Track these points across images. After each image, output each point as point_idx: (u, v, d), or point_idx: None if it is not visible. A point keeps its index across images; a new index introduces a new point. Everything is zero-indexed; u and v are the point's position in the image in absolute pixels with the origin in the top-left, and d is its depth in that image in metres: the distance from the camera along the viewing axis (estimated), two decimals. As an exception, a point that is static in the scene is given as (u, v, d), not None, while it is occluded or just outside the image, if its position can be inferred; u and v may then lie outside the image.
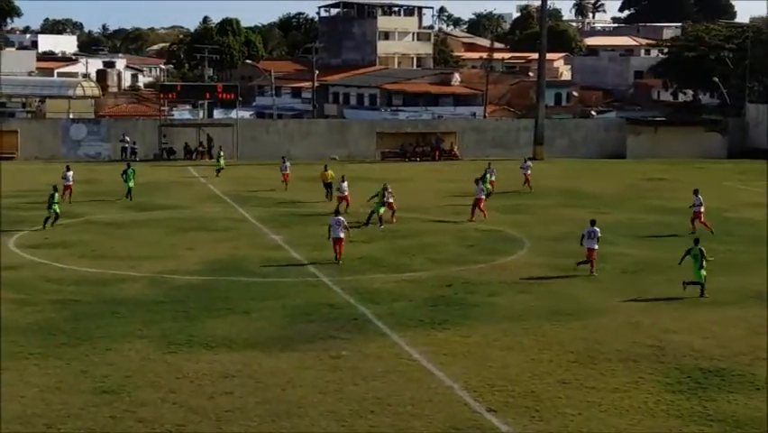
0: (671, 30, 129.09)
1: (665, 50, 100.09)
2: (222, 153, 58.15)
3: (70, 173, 43.79)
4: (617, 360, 20.78)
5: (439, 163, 64.41)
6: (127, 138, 64.34)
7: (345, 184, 40.30)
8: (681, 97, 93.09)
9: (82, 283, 27.48)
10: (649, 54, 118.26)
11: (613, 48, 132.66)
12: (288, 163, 49.87)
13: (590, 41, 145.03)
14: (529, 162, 50.40)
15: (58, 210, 36.19)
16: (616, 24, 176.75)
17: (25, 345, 21.27)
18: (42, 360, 20.29)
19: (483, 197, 39.20)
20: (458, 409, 17.80)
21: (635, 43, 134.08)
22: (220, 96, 71.16)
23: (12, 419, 16.95)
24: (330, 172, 44.67)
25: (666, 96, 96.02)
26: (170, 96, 69.92)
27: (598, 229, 29.79)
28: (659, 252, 32.97)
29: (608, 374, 19.83)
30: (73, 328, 22.71)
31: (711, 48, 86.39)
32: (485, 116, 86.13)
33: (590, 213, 40.85)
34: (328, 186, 44.17)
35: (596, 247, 29.62)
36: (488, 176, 45.49)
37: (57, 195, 36.78)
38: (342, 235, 30.51)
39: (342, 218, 30.98)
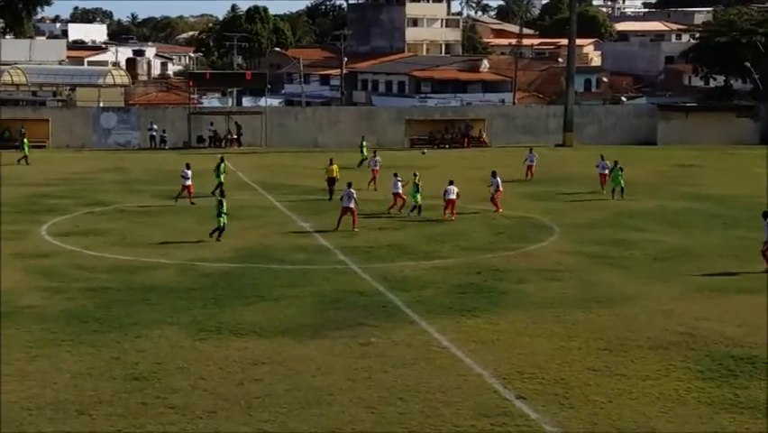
0: (702, 14, 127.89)
1: (696, 34, 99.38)
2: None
3: (189, 171, 39.82)
4: (647, 347, 20.67)
5: (468, 150, 64.27)
6: (155, 126, 64.66)
7: (400, 182, 38.02)
8: (712, 83, 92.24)
9: (113, 271, 27.66)
10: (680, 39, 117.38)
11: (643, 33, 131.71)
12: (378, 158, 45.46)
13: (620, 26, 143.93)
14: (535, 154, 49.89)
15: (225, 221, 31.79)
16: (646, 9, 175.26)
17: (58, 332, 21.45)
18: (74, 347, 20.46)
19: (501, 189, 38.26)
20: (487, 396, 17.78)
21: (665, 28, 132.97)
22: (249, 83, 71.35)
23: (45, 405, 17.11)
24: (335, 167, 40.90)
25: (697, 82, 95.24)
26: (200, 84, 70.14)
27: None
28: (690, 238, 32.76)
29: (638, 362, 19.73)
30: (104, 315, 22.88)
31: (743, 32, 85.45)
32: (514, 103, 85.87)
33: (620, 200, 40.69)
34: (332, 182, 40.35)
35: None
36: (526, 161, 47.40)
37: (225, 203, 32.23)
38: (351, 206, 32.81)
39: (353, 191, 33.15)
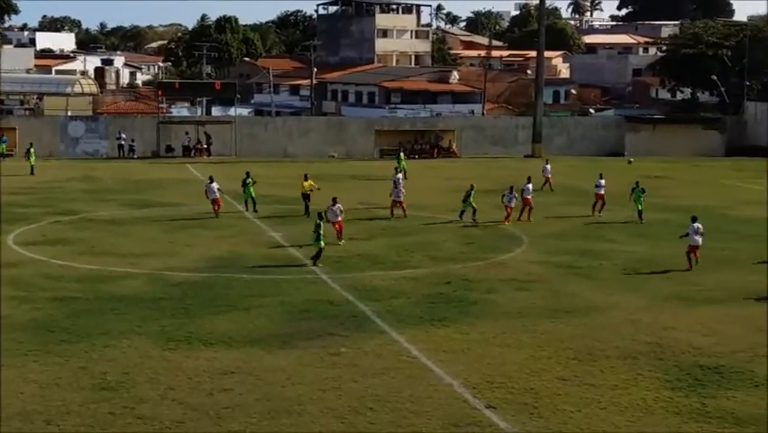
0: (669, 28, 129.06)
1: (663, 47, 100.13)
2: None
3: (215, 185, 38.47)
4: (616, 357, 20.79)
5: (437, 161, 64.42)
6: (123, 135, 64.33)
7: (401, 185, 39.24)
8: (679, 95, 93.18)
9: (81, 280, 27.46)
10: (647, 52, 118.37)
11: (611, 46, 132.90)
12: (400, 176, 42.72)
13: (589, 39, 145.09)
14: (548, 165, 49.51)
15: (322, 244, 29.97)
16: (614, 22, 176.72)
17: (24, 342, 21.25)
18: (42, 357, 20.28)
19: (512, 205, 38.18)
20: (457, 405, 17.80)
21: (633, 41, 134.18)
22: (218, 93, 71.16)
23: (12, 416, 16.94)
24: (309, 183, 39.30)
25: (664, 94, 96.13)
26: (169, 93, 69.84)
27: (699, 225, 29.93)
28: (658, 249, 33.00)
29: (607, 371, 19.84)
30: (72, 325, 22.70)
31: (709, 46, 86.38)
32: (483, 114, 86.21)
33: (588, 210, 40.90)
34: (307, 197, 38.91)
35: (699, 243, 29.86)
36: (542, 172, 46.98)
37: (322, 225, 30.31)
38: (339, 219, 32.96)
39: (339, 207, 33.11)
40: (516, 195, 38.48)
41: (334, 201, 33.18)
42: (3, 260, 30.05)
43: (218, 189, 38.54)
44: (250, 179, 40.07)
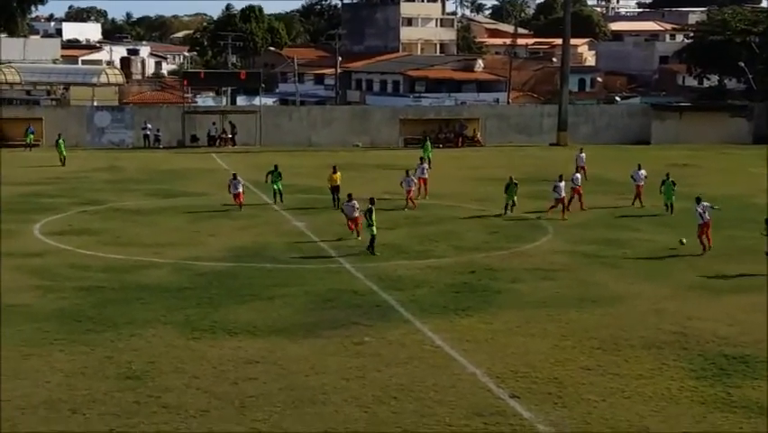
0: (696, 14, 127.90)
1: (690, 34, 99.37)
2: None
3: (240, 181, 38.46)
4: (640, 347, 20.71)
5: (462, 150, 64.28)
6: (149, 125, 64.59)
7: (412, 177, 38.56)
8: (706, 83, 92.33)
9: (107, 270, 27.64)
10: (674, 39, 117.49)
11: (637, 33, 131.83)
12: (426, 165, 43.11)
13: (615, 26, 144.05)
14: (583, 154, 47.87)
15: (374, 231, 29.82)
16: (640, 9, 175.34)
17: (51, 331, 21.44)
18: (68, 346, 20.44)
19: (563, 196, 36.89)
20: (481, 395, 17.80)
21: (659, 28, 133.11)
22: (243, 83, 71.31)
23: (38, 405, 17.09)
24: (338, 175, 38.88)
25: (691, 82, 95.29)
26: (195, 83, 70.06)
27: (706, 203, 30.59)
28: (683, 238, 32.74)
29: (631, 361, 19.77)
30: (98, 315, 22.86)
31: (737, 32, 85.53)
32: (508, 102, 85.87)
33: (614, 199, 40.75)
34: (336, 190, 38.26)
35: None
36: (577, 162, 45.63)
37: (374, 211, 30.07)
38: (357, 215, 31.52)
39: (355, 203, 31.81)
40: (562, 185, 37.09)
41: (350, 197, 32.34)
42: (29, 250, 30.29)
43: (243, 185, 38.42)
44: (277, 171, 39.74)
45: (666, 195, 37.89)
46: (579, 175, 39.90)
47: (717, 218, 32.16)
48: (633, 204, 39.38)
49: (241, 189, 38.21)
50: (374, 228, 29.77)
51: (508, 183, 37.47)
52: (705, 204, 30.52)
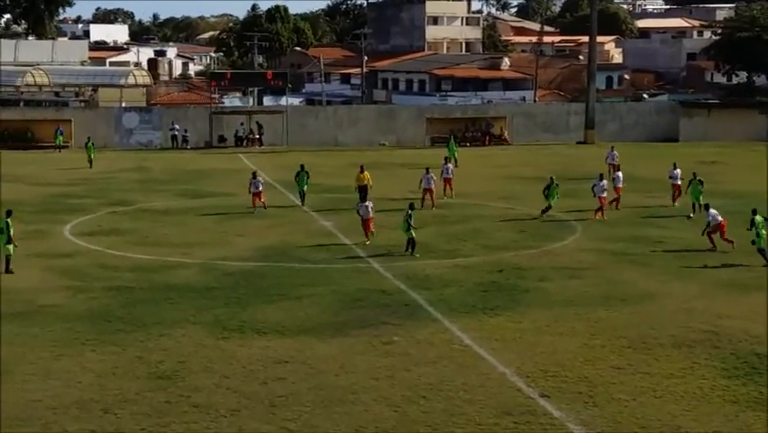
0: (724, 11, 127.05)
1: (718, 31, 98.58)
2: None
3: (260, 179, 38.13)
4: (671, 345, 20.58)
5: (489, 148, 64.13)
6: (176, 126, 64.89)
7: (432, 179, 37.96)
8: (734, 79, 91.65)
9: (136, 270, 27.79)
10: (702, 36, 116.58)
11: (665, 30, 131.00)
12: (450, 165, 42.22)
13: (642, 23, 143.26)
14: (615, 152, 47.41)
15: (413, 234, 29.71)
16: (667, 6, 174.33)
17: (82, 332, 21.58)
18: (98, 346, 20.57)
19: (604, 195, 36.29)
20: (510, 394, 17.75)
21: (687, 25, 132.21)
22: (270, 83, 71.52)
23: (70, 404, 17.21)
24: (366, 174, 38.41)
25: (719, 79, 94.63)
26: (221, 84, 70.35)
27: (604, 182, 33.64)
28: (691, 213, 32.49)
29: (662, 360, 19.66)
30: (127, 315, 22.99)
31: (765, 29, 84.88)
32: (535, 101, 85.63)
33: (642, 197, 40.52)
34: (363, 189, 37.69)
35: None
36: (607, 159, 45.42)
37: (413, 215, 30.08)
38: (371, 216, 31.35)
39: (369, 204, 31.66)
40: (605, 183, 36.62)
41: (363, 199, 32.18)
42: (60, 250, 30.51)
43: (262, 184, 38.12)
44: (304, 172, 39.18)
45: (693, 194, 37.35)
46: (620, 174, 39.23)
47: (746, 216, 31.82)
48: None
49: (261, 188, 37.80)
50: (412, 232, 29.60)
51: (549, 184, 36.65)
52: (712, 211, 30.33)
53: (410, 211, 30.01)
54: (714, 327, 21.80)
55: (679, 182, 39.19)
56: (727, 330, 21.58)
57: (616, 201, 38.11)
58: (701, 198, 36.50)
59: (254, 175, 38.30)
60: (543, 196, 36.61)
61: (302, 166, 39.69)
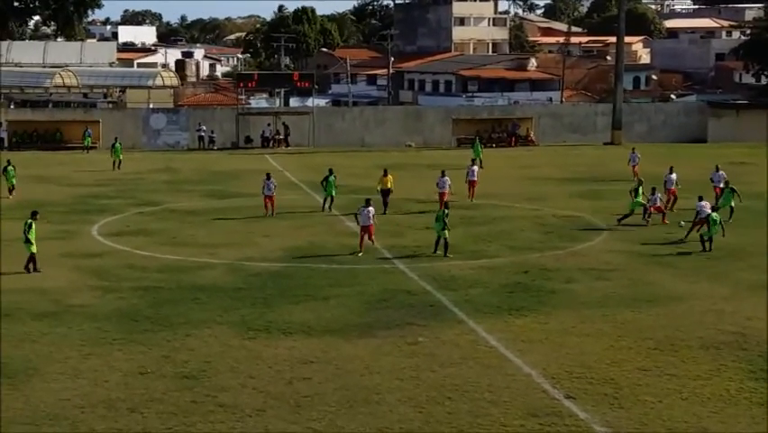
0: (753, 11, 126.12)
1: (747, 31, 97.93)
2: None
3: (273, 182, 37.12)
4: (698, 347, 20.47)
5: (515, 149, 64.00)
6: (203, 127, 65.22)
7: (447, 179, 37.44)
8: (763, 80, 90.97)
9: (163, 270, 27.95)
10: (731, 36, 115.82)
11: (693, 30, 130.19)
12: (476, 168, 41.43)
13: (670, 23, 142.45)
14: (638, 153, 47.36)
15: (447, 234, 29.50)
16: (696, 6, 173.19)
17: (109, 331, 21.73)
18: (126, 345, 20.71)
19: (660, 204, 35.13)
20: (536, 396, 17.71)
21: (716, 25, 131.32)
22: (296, 84, 71.71)
23: (97, 403, 17.33)
24: (390, 177, 37.59)
25: (748, 79, 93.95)
26: (248, 85, 70.62)
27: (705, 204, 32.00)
28: (741, 237, 32.32)
29: (689, 362, 19.55)
30: (155, 314, 23.12)
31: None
32: (562, 101, 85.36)
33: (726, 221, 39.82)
34: (386, 193, 37.29)
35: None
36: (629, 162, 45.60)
37: (448, 213, 29.84)
38: (371, 223, 30.05)
39: (371, 210, 30.23)
40: (661, 195, 35.66)
41: (368, 203, 30.56)
42: (88, 250, 30.74)
43: (275, 186, 37.13)
44: (333, 176, 37.92)
45: (725, 200, 36.18)
46: (674, 176, 38.22)
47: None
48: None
49: (273, 192, 36.71)
50: (447, 232, 29.42)
51: (636, 186, 35.62)
52: (702, 204, 31.83)
53: (447, 210, 29.86)
54: (742, 329, 21.66)
55: (721, 185, 38.04)
56: (755, 332, 21.42)
57: (672, 203, 37.25)
58: (732, 203, 35.85)
59: (268, 176, 37.35)
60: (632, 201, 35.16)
61: (330, 170, 38.47)
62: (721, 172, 39.37)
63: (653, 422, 16.50)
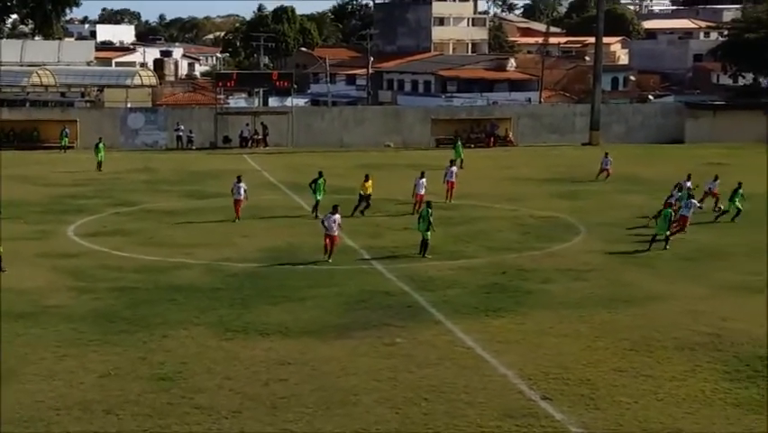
0: (731, 12, 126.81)
1: (725, 32, 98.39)
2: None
3: (242, 185, 35.86)
4: (673, 348, 20.57)
5: (494, 150, 64.07)
6: (181, 127, 64.90)
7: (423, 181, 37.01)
8: (741, 81, 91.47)
9: (140, 271, 27.83)
10: (708, 37, 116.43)
11: (671, 31, 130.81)
12: (455, 169, 41.26)
13: (648, 24, 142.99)
14: (610, 158, 47.70)
15: (428, 235, 29.47)
16: (674, 7, 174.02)
17: (85, 332, 21.61)
18: (101, 346, 20.61)
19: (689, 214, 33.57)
20: (512, 396, 17.75)
21: (694, 26, 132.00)
22: (275, 84, 71.58)
23: (72, 405, 17.24)
24: (370, 183, 37.07)
25: (726, 80, 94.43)
26: (227, 84, 70.39)
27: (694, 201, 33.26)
28: (718, 237, 32.53)
29: (664, 362, 19.64)
30: (131, 315, 23.02)
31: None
32: (540, 102, 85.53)
33: (648, 199, 40.48)
34: (365, 199, 36.82)
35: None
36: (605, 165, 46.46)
37: (432, 213, 29.68)
38: (336, 233, 29.07)
39: (338, 217, 29.14)
40: (696, 201, 34.78)
41: (335, 209, 29.33)
42: (64, 251, 30.57)
43: (245, 191, 35.83)
44: (321, 179, 36.41)
45: (731, 202, 36.23)
46: (690, 184, 37.44)
47: (752, 218, 31.85)
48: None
49: (243, 196, 35.69)
50: (429, 234, 29.26)
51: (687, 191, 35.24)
52: (693, 201, 33.13)
53: (430, 210, 29.67)
54: (717, 330, 21.78)
55: (716, 189, 38.19)
56: (730, 333, 21.55)
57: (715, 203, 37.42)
58: (738, 204, 36.00)
59: (239, 179, 36.22)
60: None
61: (320, 173, 36.95)
62: (718, 181, 38.91)
63: (628, 423, 16.57)
